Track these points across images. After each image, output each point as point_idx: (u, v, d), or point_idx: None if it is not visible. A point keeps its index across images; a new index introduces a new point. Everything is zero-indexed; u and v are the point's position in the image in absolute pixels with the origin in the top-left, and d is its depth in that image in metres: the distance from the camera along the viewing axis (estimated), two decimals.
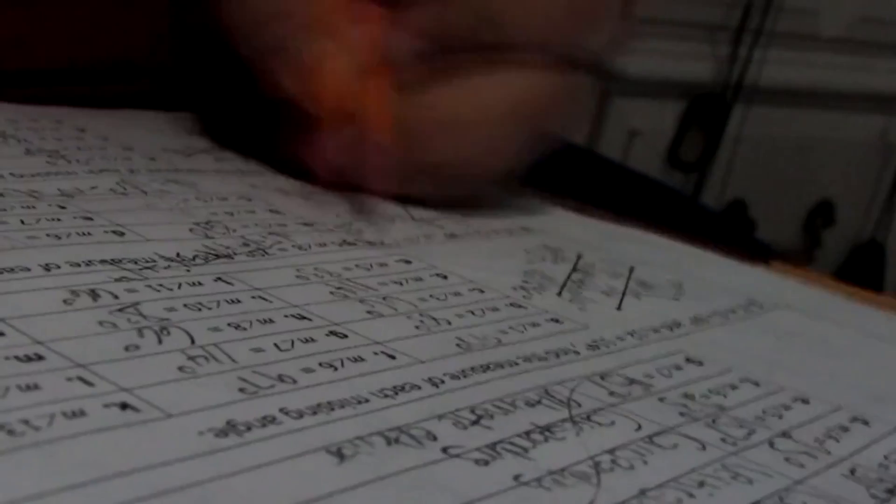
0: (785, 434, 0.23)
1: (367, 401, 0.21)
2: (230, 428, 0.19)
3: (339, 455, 0.19)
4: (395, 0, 0.35)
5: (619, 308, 0.30)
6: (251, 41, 0.36)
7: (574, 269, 0.33)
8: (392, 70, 0.34)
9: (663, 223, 0.40)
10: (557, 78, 0.36)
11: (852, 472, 0.22)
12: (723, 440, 0.22)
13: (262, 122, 0.37)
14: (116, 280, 0.24)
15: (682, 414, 0.23)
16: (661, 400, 0.24)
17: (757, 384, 0.26)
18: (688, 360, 0.27)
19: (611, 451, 0.21)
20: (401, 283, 0.28)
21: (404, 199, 0.36)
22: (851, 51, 0.67)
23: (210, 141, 0.40)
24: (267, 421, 0.19)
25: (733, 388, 0.26)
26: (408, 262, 0.30)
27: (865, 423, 0.25)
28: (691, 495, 0.20)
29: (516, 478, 0.19)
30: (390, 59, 0.34)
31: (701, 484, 0.20)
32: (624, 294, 0.31)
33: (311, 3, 0.35)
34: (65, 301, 0.22)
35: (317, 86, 0.34)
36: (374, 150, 0.34)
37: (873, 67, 0.68)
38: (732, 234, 0.39)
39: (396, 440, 0.20)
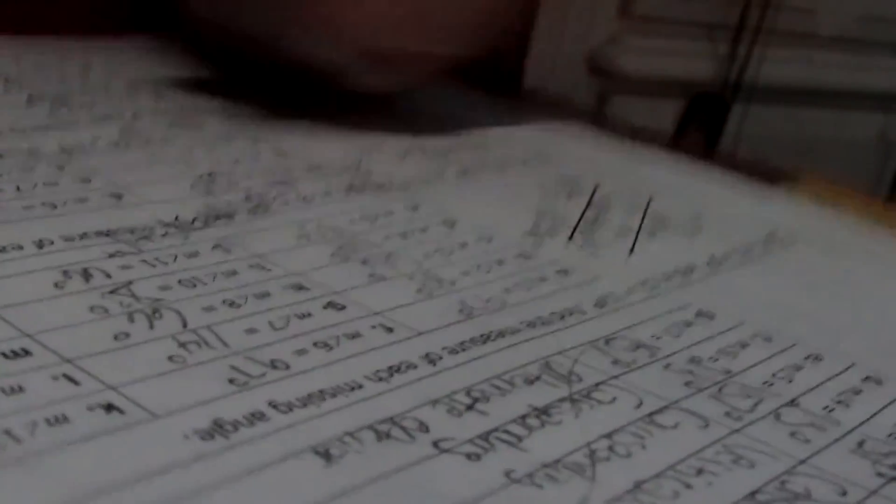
0: (793, 402, 0.23)
1: (360, 386, 0.21)
2: (216, 429, 0.18)
3: (327, 456, 0.18)
4: None
5: (631, 252, 0.29)
6: None
7: (588, 205, 0.32)
8: None
9: None
10: None
11: (860, 445, 0.22)
12: (727, 414, 0.22)
13: None
14: (111, 256, 0.24)
15: (686, 384, 0.23)
16: (666, 367, 0.23)
17: (769, 339, 0.26)
18: (699, 313, 0.26)
19: (608, 436, 0.20)
20: (405, 236, 0.28)
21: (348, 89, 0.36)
22: (851, 49, 0.65)
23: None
24: (255, 418, 0.19)
25: (743, 346, 0.25)
26: (415, 208, 0.30)
27: (879, 382, 0.24)
28: (689, 486, 0.19)
29: (507, 474, 0.19)
30: None
31: (700, 471, 0.20)
32: (637, 236, 0.30)
33: None
34: (56, 284, 0.22)
35: None
36: None
37: (873, 66, 0.65)
38: None
39: (387, 434, 0.19)
